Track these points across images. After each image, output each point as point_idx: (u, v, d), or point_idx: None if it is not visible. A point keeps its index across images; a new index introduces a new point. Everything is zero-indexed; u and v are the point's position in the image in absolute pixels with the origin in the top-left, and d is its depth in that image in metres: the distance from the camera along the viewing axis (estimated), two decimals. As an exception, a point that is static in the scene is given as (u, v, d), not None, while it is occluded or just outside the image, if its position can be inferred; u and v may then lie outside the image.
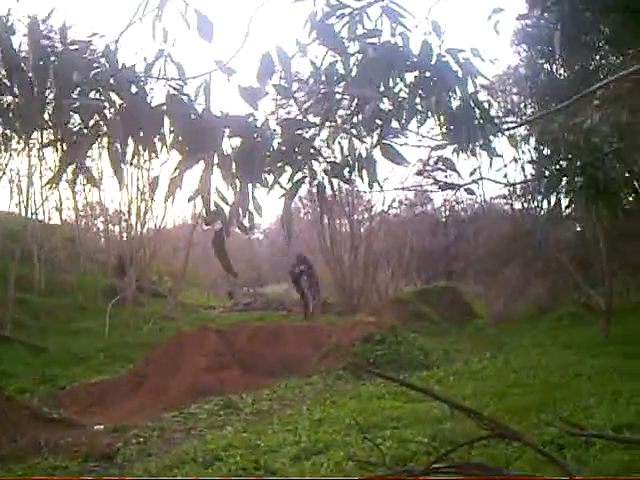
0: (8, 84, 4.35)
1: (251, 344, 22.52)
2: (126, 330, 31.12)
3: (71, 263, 37.53)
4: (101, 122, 4.42)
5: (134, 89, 4.43)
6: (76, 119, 4.52)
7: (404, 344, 22.41)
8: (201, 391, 18.13)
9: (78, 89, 4.40)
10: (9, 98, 4.47)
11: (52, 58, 4.38)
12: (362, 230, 43.89)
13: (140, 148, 4.52)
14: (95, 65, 4.49)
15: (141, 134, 4.35)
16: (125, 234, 40.44)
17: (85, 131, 4.48)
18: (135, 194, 38.68)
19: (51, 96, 4.39)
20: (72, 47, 4.52)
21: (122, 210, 40.91)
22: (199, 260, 43.29)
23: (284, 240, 44.29)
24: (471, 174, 7.12)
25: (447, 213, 51.30)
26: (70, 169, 4.61)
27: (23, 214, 36.05)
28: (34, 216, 36.65)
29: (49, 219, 40.56)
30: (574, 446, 9.63)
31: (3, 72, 4.34)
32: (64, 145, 4.59)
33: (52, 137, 4.67)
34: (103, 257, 40.78)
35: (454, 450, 7.30)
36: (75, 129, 4.54)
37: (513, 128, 7.37)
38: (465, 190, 7.31)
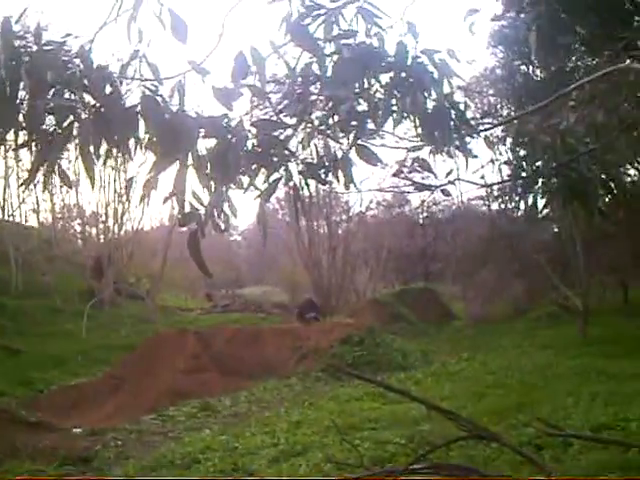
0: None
1: (229, 346, 22.49)
2: (104, 332, 30.97)
3: (48, 265, 37.30)
4: (75, 123, 4.38)
5: (108, 89, 4.39)
6: (51, 120, 4.49)
7: (382, 345, 22.45)
8: (179, 393, 18.08)
9: (53, 90, 4.36)
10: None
11: (26, 58, 4.34)
12: (340, 231, 43.90)
13: (114, 149, 4.49)
14: (69, 66, 4.45)
15: (115, 135, 4.32)
16: (102, 236, 40.33)
17: (58, 132, 4.45)
18: (112, 196, 38.66)
19: (25, 96, 4.35)
20: (46, 47, 4.48)
21: (99, 212, 40.80)
22: (177, 262, 43.12)
23: (262, 242, 44.23)
24: (447, 175, 7.12)
25: (425, 214, 51.34)
26: (43, 170, 4.58)
27: (0, 216, 35.93)
28: (11, 218, 36.52)
29: (26, 221, 40.41)
30: (552, 447, 9.63)
31: None
32: (38, 146, 4.56)
33: (27, 138, 4.64)
34: (80, 259, 40.55)
35: (432, 451, 7.31)
36: (50, 130, 4.51)
37: (489, 129, 7.37)
38: (441, 191, 7.31)
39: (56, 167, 4.56)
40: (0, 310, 30.57)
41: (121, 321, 33.49)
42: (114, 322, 33.26)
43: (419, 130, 5.22)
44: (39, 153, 4.48)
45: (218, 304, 45.44)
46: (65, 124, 4.38)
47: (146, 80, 4.60)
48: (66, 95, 4.39)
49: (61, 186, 33.21)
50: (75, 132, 4.38)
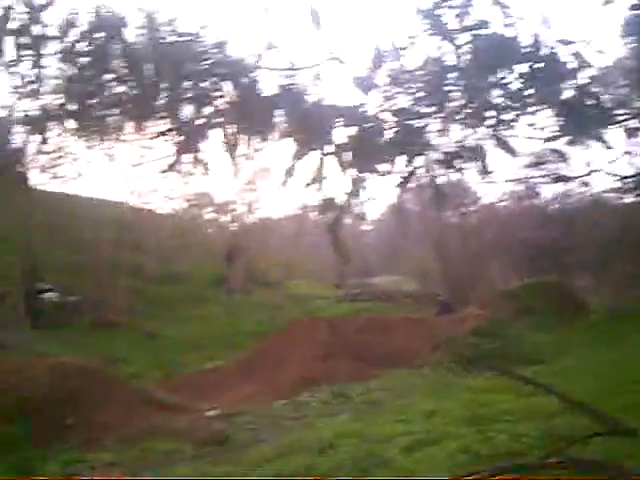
0: (125, 75, 4.46)
1: (361, 335, 22.53)
2: (236, 318, 31.47)
3: (181, 252, 38.10)
4: (214, 112, 4.49)
5: (246, 79, 4.48)
6: (189, 109, 4.60)
7: (514, 338, 22.17)
8: (311, 380, 18.21)
9: (190, 79, 4.48)
10: (124, 88, 4.58)
11: (163, 50, 4.47)
12: (470, 222, 43.45)
13: (252, 137, 4.59)
14: (205, 57, 4.56)
15: (253, 123, 4.41)
16: (234, 224, 40.92)
17: (199, 121, 4.57)
18: (244, 184, 39.16)
19: (164, 86, 4.48)
20: (182, 39, 4.61)
21: (231, 200, 41.39)
22: (308, 250, 43.41)
23: (392, 231, 44.16)
24: (584, 166, 7.01)
25: (556, 206, 50.15)
26: (184, 158, 4.71)
27: (135, 204, 36.82)
28: (145, 206, 37.39)
29: (160, 209, 41.27)
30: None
31: (122, 64, 4.45)
32: (178, 134, 4.69)
33: (164, 127, 4.77)
34: (212, 246, 41.26)
35: (569, 446, 7.21)
36: (189, 119, 4.63)
37: (626, 120, 7.21)
38: (579, 182, 7.21)
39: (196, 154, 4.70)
40: (136, 295, 31.43)
41: (253, 308, 33.95)
42: (246, 309, 33.73)
43: (555, 121, 5.17)
44: (183, 141, 4.61)
45: (349, 293, 45.41)
46: (205, 112, 4.50)
47: (283, 70, 4.67)
48: (202, 85, 4.50)
49: (195, 174, 33.81)
50: (214, 121, 4.49)
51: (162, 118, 4.64)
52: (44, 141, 4.97)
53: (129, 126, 5.10)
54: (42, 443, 12.58)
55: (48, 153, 5.67)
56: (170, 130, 4.70)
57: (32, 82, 4.60)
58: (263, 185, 38.28)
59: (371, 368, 19.96)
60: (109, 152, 6.11)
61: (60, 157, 5.92)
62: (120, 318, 27.76)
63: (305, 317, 26.31)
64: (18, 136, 4.64)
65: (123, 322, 27.49)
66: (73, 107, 4.61)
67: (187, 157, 4.75)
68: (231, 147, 4.45)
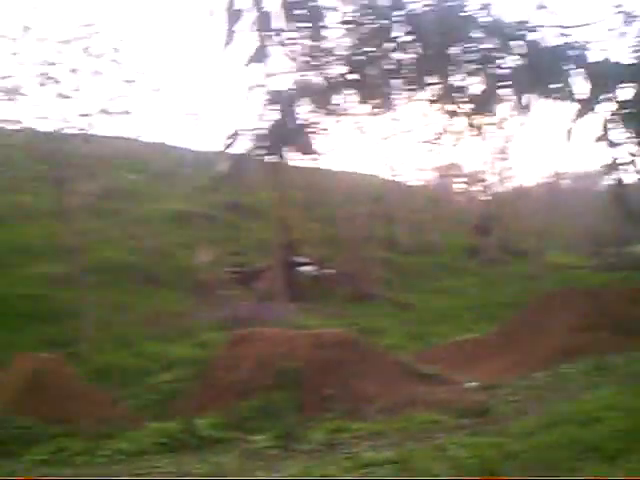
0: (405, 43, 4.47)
1: (620, 305, 21.73)
2: (491, 289, 31.29)
3: (433, 223, 38.20)
4: (490, 78, 4.42)
5: (526, 41, 4.40)
6: (464, 76, 4.55)
7: None
8: (570, 351, 17.76)
9: (470, 45, 4.44)
10: (403, 56, 4.60)
11: (439, 17, 4.45)
12: None
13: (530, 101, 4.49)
14: (479, 21, 4.51)
15: (543, 83, 4.33)
16: (486, 193, 40.61)
17: (475, 89, 4.52)
18: (495, 153, 38.68)
19: (442, 52, 4.45)
20: (447, 4, 4.58)
21: (481, 170, 41.09)
22: (562, 218, 42.37)
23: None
24: None
25: None
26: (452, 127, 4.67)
27: (386, 177, 37.18)
28: (397, 178, 37.69)
29: (411, 180, 41.49)
30: None
31: (402, 32, 4.46)
32: (450, 101, 4.65)
33: (435, 95, 4.74)
34: (464, 217, 41.15)
35: None
36: (463, 86, 4.59)
37: None
38: None
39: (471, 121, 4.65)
40: (389, 267, 31.87)
41: (507, 278, 33.62)
42: (500, 279, 33.48)
43: None
44: (455, 107, 4.57)
45: (604, 262, 44.10)
46: (481, 79, 4.44)
47: (561, 28, 4.54)
48: (480, 49, 4.44)
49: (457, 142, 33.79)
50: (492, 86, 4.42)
51: (434, 84, 4.63)
52: (327, 112, 5.08)
53: (403, 94, 5.13)
54: (305, 412, 13.01)
55: (310, 125, 5.77)
56: (442, 97, 4.68)
57: (312, 54, 4.71)
58: (515, 153, 37.76)
59: (632, 340, 19.25)
60: (363, 125, 6.17)
61: (314, 132, 6.03)
62: (375, 290, 28.23)
63: (561, 287, 25.70)
64: (300, 109, 4.75)
65: (378, 294, 27.94)
66: (354, 77, 4.69)
67: (456, 124, 4.72)
68: (522, 109, 4.39)
